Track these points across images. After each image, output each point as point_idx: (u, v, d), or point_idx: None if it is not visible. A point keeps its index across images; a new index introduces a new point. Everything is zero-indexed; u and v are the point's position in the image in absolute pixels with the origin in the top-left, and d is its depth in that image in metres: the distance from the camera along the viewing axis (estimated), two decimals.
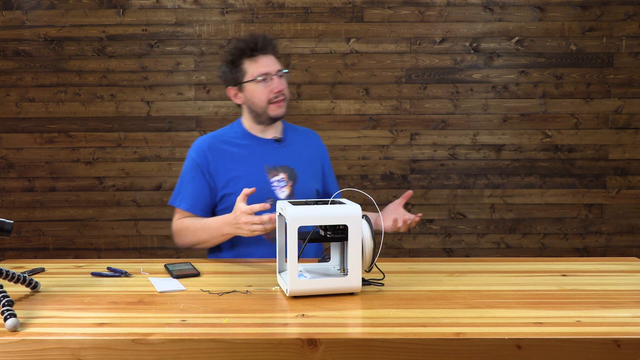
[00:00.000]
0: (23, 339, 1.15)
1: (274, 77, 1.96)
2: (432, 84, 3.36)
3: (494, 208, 3.42)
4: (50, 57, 3.36)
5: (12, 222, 1.39)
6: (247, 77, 1.96)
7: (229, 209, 1.85)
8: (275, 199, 1.95)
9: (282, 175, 1.99)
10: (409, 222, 1.83)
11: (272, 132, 2.05)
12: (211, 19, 3.34)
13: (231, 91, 2.02)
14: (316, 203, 1.50)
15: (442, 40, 3.34)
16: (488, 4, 3.32)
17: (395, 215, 1.86)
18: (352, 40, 3.33)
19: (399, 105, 3.37)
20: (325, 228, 1.47)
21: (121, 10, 3.34)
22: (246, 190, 1.69)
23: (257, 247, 1.94)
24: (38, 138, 3.41)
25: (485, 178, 3.41)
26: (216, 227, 1.83)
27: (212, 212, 2.01)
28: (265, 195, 1.94)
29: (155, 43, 3.36)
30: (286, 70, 2.01)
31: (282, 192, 1.98)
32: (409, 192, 1.91)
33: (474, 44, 3.34)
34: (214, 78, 3.37)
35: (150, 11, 3.34)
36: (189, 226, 1.92)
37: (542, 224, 3.42)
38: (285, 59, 3.35)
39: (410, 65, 3.35)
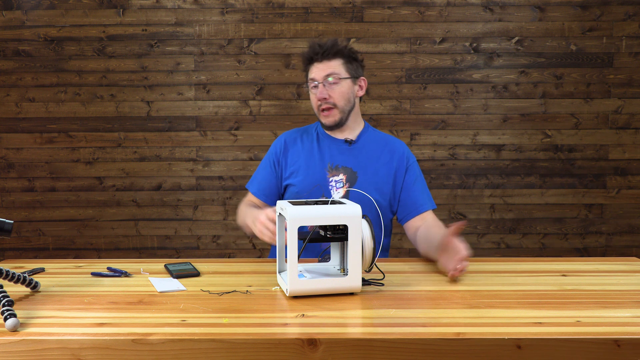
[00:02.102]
0: (23, 339, 1.15)
1: (320, 84, 1.95)
2: (432, 84, 3.36)
3: (494, 208, 3.42)
4: (50, 57, 3.36)
5: (12, 222, 1.39)
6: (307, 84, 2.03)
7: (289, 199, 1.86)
8: (328, 197, 1.94)
9: (341, 176, 1.97)
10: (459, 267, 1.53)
11: (345, 134, 2.05)
12: (211, 19, 3.34)
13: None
14: (316, 203, 1.50)
15: (442, 40, 3.34)
16: (488, 4, 3.32)
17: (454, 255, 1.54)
18: (352, 40, 3.32)
19: (399, 105, 3.37)
20: (325, 228, 1.47)
21: (121, 10, 3.33)
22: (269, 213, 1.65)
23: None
24: (38, 138, 3.40)
25: (485, 178, 3.41)
26: (248, 214, 1.88)
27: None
28: (320, 193, 1.95)
29: (155, 43, 3.35)
30: (346, 76, 1.96)
31: (338, 193, 1.96)
32: (461, 224, 1.57)
33: (474, 44, 3.34)
34: (214, 78, 3.37)
35: (150, 11, 3.34)
36: (242, 208, 2.01)
37: (542, 224, 3.42)
38: (285, 59, 3.35)
39: (410, 65, 3.35)
